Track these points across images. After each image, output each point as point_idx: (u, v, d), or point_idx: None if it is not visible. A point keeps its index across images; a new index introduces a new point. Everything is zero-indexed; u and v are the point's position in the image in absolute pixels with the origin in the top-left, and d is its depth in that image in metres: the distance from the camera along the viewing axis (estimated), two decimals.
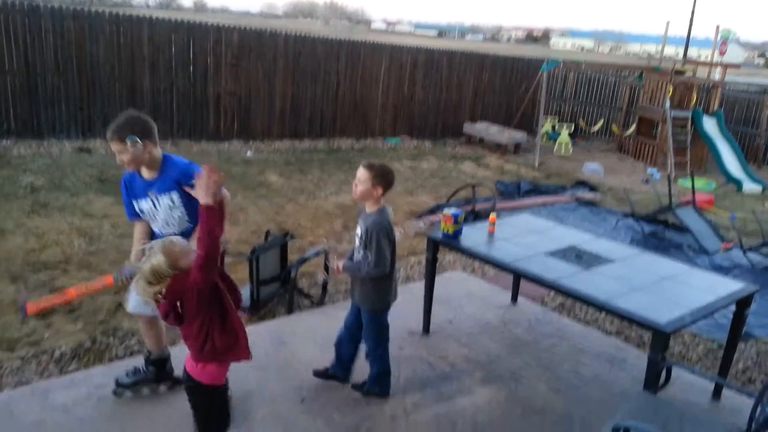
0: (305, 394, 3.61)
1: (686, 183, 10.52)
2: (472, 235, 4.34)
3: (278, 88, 11.67)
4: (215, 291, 2.40)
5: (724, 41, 16.86)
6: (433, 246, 4.34)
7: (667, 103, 12.62)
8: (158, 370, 3.51)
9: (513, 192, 9.48)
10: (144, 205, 3.21)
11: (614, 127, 14.47)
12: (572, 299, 4.85)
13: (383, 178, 3.30)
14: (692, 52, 30.60)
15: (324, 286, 5.07)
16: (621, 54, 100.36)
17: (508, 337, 4.62)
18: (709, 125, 12.97)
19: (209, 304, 2.36)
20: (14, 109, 9.37)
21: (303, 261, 4.98)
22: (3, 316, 4.32)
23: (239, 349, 2.54)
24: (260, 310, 4.71)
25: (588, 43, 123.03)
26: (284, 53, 11.57)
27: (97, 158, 8.95)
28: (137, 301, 3.34)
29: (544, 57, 14.52)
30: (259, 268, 4.64)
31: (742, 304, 3.76)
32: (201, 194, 2.27)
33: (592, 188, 10.33)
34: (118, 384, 3.47)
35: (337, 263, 3.50)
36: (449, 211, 4.20)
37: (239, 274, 4.94)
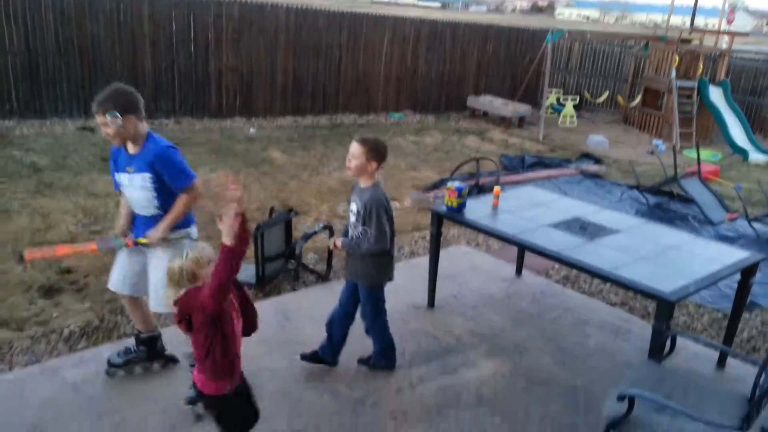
0: (311, 369, 3.64)
1: (692, 154, 10.43)
2: (476, 209, 4.33)
3: (280, 63, 11.56)
4: (222, 317, 2.43)
5: (732, 9, 16.57)
6: (437, 220, 4.34)
7: (673, 73, 12.47)
8: (149, 349, 3.53)
9: (517, 166, 9.44)
10: (123, 178, 3.18)
11: (619, 99, 14.32)
12: (577, 271, 4.87)
13: (377, 152, 3.26)
14: (699, 21, 30.05)
15: (329, 261, 5.08)
16: (627, 23, 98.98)
17: (512, 310, 4.63)
18: (715, 95, 12.82)
19: (214, 325, 2.41)
20: (16, 89, 9.33)
21: (308, 237, 4.99)
22: (12, 296, 4.35)
23: (232, 378, 2.55)
24: (265, 286, 4.74)
25: (594, 13, 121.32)
26: (285, 27, 11.43)
27: (99, 137, 8.82)
28: (117, 278, 3.36)
29: (548, 27, 14.30)
30: (264, 244, 4.66)
31: (747, 273, 3.76)
32: (224, 235, 2.29)
33: (597, 161, 10.27)
34: (110, 364, 3.49)
35: (335, 240, 3.49)
36: (453, 185, 4.18)
37: None
